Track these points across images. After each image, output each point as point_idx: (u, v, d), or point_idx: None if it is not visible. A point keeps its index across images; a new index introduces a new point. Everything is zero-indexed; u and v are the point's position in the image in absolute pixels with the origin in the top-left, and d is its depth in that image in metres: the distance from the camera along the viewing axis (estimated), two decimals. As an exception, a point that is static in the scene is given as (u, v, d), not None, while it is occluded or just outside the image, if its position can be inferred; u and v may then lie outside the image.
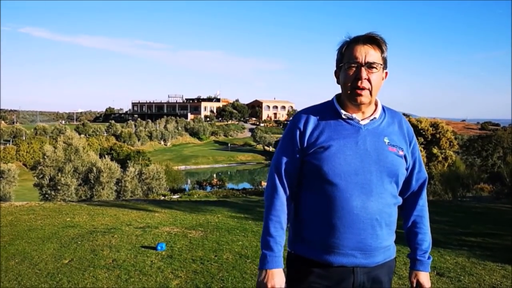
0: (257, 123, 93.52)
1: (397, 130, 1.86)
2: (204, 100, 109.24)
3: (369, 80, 1.74)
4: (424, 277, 1.90)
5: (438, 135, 27.44)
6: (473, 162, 28.94)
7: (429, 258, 1.92)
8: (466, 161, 26.94)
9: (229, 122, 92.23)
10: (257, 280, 1.81)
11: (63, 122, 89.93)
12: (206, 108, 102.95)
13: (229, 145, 71.78)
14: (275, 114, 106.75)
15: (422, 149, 26.32)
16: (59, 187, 15.41)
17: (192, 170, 52.67)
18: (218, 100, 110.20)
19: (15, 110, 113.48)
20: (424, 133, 27.46)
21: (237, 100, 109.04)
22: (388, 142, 1.80)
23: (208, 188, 31.53)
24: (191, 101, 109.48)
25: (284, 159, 1.84)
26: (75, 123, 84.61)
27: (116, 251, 5.22)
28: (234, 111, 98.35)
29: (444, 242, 5.84)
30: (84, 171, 16.64)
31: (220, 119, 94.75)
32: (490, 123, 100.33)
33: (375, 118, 1.82)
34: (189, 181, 36.95)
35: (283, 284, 1.78)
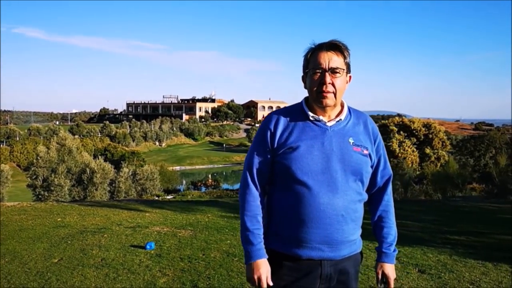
0: (252, 123, 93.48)
1: (362, 130, 1.97)
2: (199, 100, 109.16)
3: (333, 84, 1.85)
4: (389, 268, 2.01)
5: (430, 136, 27.64)
6: (466, 162, 29.16)
7: (394, 250, 2.02)
8: (459, 161, 27.15)
9: (224, 122, 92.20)
10: (246, 275, 1.93)
11: (57, 122, 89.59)
12: (201, 109, 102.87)
13: (224, 145, 71.77)
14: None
15: (415, 149, 26.50)
16: (52, 188, 15.42)
17: (187, 171, 52.63)
18: (213, 100, 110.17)
19: (9, 111, 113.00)
20: (416, 133, 27.67)
21: (232, 101, 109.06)
22: (353, 142, 1.91)
23: (203, 189, 31.56)
24: (186, 102, 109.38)
25: (256, 159, 1.94)
26: (69, 123, 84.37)
27: (106, 250, 5.30)
28: (229, 111, 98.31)
29: (429, 240, 5.95)
30: (77, 171, 16.66)
31: (215, 119, 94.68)
32: (484, 123, 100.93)
33: (340, 119, 1.93)
34: (184, 182, 36.95)
35: (269, 273, 1.88)
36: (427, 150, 26.89)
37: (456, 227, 6.94)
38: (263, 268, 1.87)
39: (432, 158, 26.28)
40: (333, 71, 1.84)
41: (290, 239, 1.88)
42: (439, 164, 25.03)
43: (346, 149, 1.88)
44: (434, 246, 5.61)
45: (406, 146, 25.95)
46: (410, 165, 23.17)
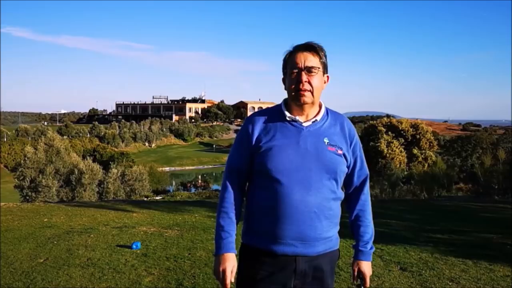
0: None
1: (339, 131, 2.03)
2: (189, 101, 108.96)
3: (309, 82, 1.92)
4: (365, 266, 2.07)
5: (418, 136, 27.96)
6: (454, 162, 29.50)
7: (371, 248, 2.09)
8: (447, 161, 27.47)
9: (214, 123, 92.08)
10: (213, 267, 1.98)
11: (46, 123, 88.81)
12: (191, 109, 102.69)
13: (214, 146, 71.69)
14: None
15: (402, 150, 26.75)
16: (40, 189, 15.32)
17: (177, 172, 52.50)
18: (203, 101, 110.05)
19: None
20: (404, 133, 27.95)
21: (222, 101, 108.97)
22: (327, 142, 1.97)
23: (193, 190, 31.54)
24: (176, 102, 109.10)
25: (235, 159, 2.03)
26: (58, 124, 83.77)
27: (92, 250, 5.32)
28: (219, 112, 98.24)
29: (411, 238, 6.06)
30: (65, 172, 16.57)
31: (205, 120, 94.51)
32: (472, 124, 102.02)
33: (316, 120, 2.00)
34: (173, 183, 36.89)
35: (235, 269, 1.94)
36: (415, 151, 27.17)
37: (439, 226, 7.07)
38: (229, 262, 1.93)
39: (420, 159, 26.55)
40: (309, 70, 1.92)
41: (266, 235, 1.94)
42: (426, 165, 25.29)
43: (320, 148, 1.94)
44: (416, 244, 5.72)
45: (394, 146, 26.19)
46: (398, 165, 23.41)
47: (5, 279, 4.29)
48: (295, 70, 1.93)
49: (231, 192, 2.00)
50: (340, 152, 1.98)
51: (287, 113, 1.98)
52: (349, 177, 2.08)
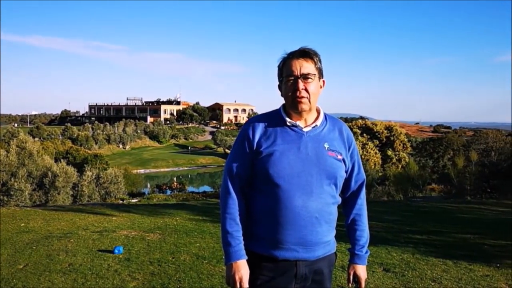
0: (218, 126, 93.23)
1: (338, 136, 2.05)
2: (164, 103, 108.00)
3: (306, 89, 1.93)
4: (361, 269, 2.10)
5: (392, 138, 28.46)
6: (426, 163, 30.09)
7: (366, 252, 2.11)
8: (419, 162, 27.99)
9: (190, 125, 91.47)
10: (226, 275, 1.95)
11: (16, 125, 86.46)
12: (166, 111, 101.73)
13: (189, 148, 71.19)
14: (235, 117, 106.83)
15: (377, 151, 27.17)
16: (12, 193, 14.93)
17: (152, 174, 51.92)
18: (178, 103, 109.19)
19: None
20: (379, 135, 28.41)
21: (197, 103, 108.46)
22: (328, 147, 1.98)
23: (168, 192, 31.24)
24: (150, 104, 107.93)
25: (235, 163, 2.00)
26: (28, 126, 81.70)
27: (73, 255, 5.22)
28: (195, 114, 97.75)
29: (392, 239, 6.17)
30: (38, 175, 16.18)
31: (180, 122, 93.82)
32: (442, 126, 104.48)
33: (316, 125, 2.01)
34: (148, 185, 36.45)
35: (248, 274, 1.92)
36: (389, 152, 27.64)
37: (417, 227, 7.22)
38: (244, 269, 1.92)
39: (394, 160, 27.04)
40: (305, 77, 1.93)
41: (267, 240, 1.95)
42: (400, 166, 25.77)
43: (321, 153, 1.96)
44: (397, 245, 5.83)
45: (369, 148, 26.57)
46: (372, 166, 23.74)
47: (-16, 286, 4.17)
48: (291, 78, 1.93)
49: (234, 197, 1.98)
50: (340, 157, 2.00)
51: (287, 119, 1.99)
52: (346, 182, 2.09)
